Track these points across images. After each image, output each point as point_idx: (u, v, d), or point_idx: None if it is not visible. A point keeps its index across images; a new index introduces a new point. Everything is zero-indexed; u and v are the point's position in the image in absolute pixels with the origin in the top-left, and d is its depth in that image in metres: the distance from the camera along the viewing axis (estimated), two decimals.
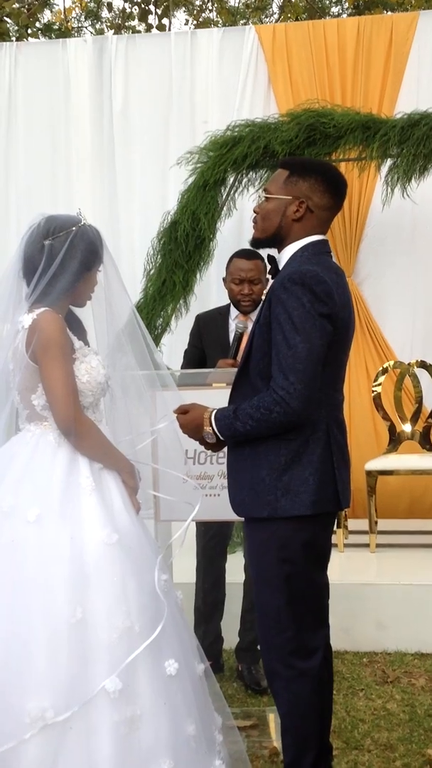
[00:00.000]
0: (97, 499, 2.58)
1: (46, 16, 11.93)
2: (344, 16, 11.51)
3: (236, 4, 12.26)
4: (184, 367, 4.23)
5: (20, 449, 2.66)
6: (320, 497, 2.57)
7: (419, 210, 5.86)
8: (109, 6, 12.09)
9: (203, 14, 12.46)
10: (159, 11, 11.50)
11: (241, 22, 11.56)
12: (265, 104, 6.41)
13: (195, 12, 12.45)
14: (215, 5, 12.16)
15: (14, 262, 2.71)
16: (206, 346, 4.22)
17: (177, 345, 4.60)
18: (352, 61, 6.31)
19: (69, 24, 12.13)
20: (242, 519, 2.74)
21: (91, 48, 6.77)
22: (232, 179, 5.58)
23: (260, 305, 2.96)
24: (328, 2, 12.03)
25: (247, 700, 3.87)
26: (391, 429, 5.56)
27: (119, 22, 12.18)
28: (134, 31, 11.61)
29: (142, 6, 11.60)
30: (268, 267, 2.80)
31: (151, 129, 6.63)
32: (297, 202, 2.67)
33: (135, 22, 11.96)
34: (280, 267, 2.70)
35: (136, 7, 11.79)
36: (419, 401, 5.62)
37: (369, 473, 5.24)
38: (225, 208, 5.62)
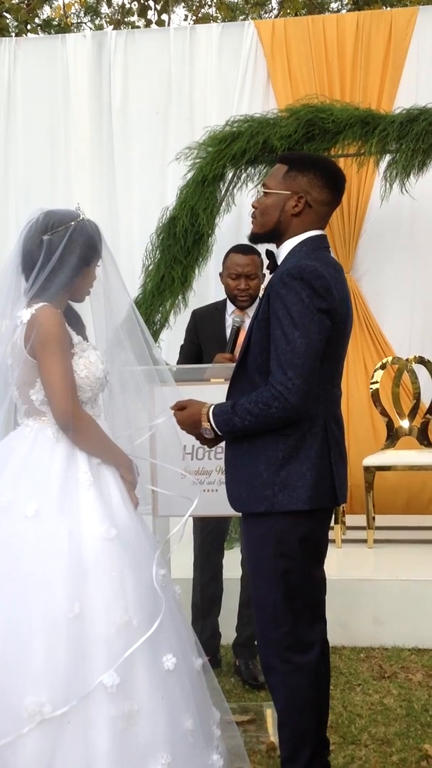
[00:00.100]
0: (96, 494, 2.58)
1: (46, 11, 11.93)
2: (343, 11, 11.50)
3: (235, 0, 12.24)
4: (180, 362, 4.22)
5: (19, 444, 2.66)
6: (317, 492, 2.57)
7: (418, 205, 5.85)
8: (109, 2, 12.07)
9: (202, 10, 12.43)
10: (158, 7, 11.48)
11: (241, 17, 11.54)
12: (264, 99, 6.40)
13: (194, 7, 12.43)
14: (214, 1, 12.14)
15: (13, 257, 2.70)
16: (203, 342, 4.21)
17: (175, 340, 4.60)
18: (351, 56, 6.30)
19: (68, 20, 12.10)
20: (240, 514, 2.74)
21: (90, 43, 6.76)
22: (230, 174, 5.57)
23: (257, 300, 2.96)
24: None
25: (244, 695, 3.88)
26: (389, 425, 5.56)
27: (118, 17, 12.17)
28: (133, 26, 11.59)
29: (142, 1, 11.58)
30: (266, 262, 2.80)
31: (150, 124, 6.62)
32: (296, 197, 2.67)
33: (134, 18, 11.94)
34: (279, 262, 2.70)
35: (135, 2, 11.78)
36: (417, 397, 5.62)
37: (367, 469, 5.24)
38: (224, 204, 5.62)
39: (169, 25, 11.26)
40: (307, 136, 5.36)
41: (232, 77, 6.51)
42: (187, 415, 2.73)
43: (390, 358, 5.75)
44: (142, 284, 5.62)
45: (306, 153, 4.95)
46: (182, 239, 5.48)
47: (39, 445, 2.63)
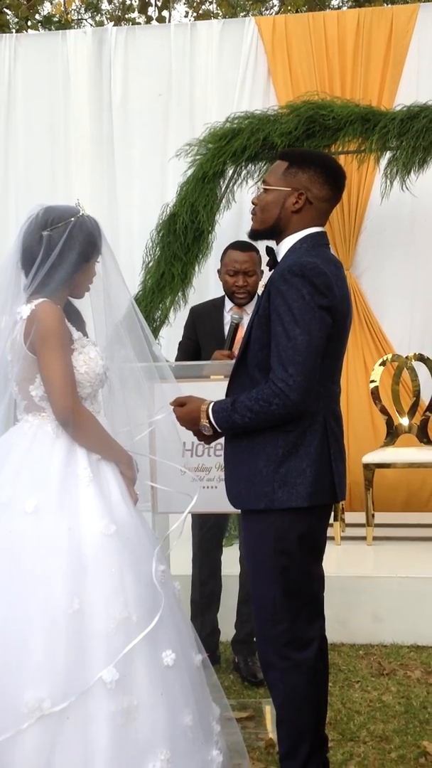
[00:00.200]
0: (95, 490, 2.58)
1: (46, 8, 11.91)
2: (344, 8, 11.48)
3: None
4: (179, 359, 4.22)
5: (18, 440, 2.66)
6: (317, 489, 2.57)
7: (418, 203, 5.85)
8: None
9: (203, 6, 12.41)
10: (159, 3, 11.47)
11: (242, 14, 11.53)
12: (265, 96, 6.40)
13: (195, 4, 12.41)
14: None
15: (13, 253, 2.70)
16: (201, 338, 4.21)
17: (175, 337, 4.61)
18: (351, 53, 6.30)
19: (69, 16, 12.09)
20: (239, 511, 2.74)
21: (90, 40, 6.76)
22: (231, 171, 5.57)
23: (256, 297, 2.96)
24: None
25: (243, 692, 3.89)
26: (389, 422, 5.56)
27: (119, 14, 12.15)
28: (134, 23, 11.58)
29: None
30: (265, 259, 2.80)
31: (151, 121, 6.61)
32: (296, 193, 2.67)
33: (135, 14, 11.93)
34: (279, 259, 2.69)
35: None
36: (417, 394, 5.63)
37: (366, 466, 5.24)
38: (224, 201, 5.61)
39: (169, 21, 11.25)
40: (307, 133, 5.35)
41: (233, 74, 6.51)
42: (186, 412, 2.73)
43: (390, 356, 5.74)
44: (142, 281, 5.62)
45: (306, 150, 4.92)
46: (182, 236, 5.48)
47: (38, 441, 2.63)
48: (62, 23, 10.87)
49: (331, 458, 2.61)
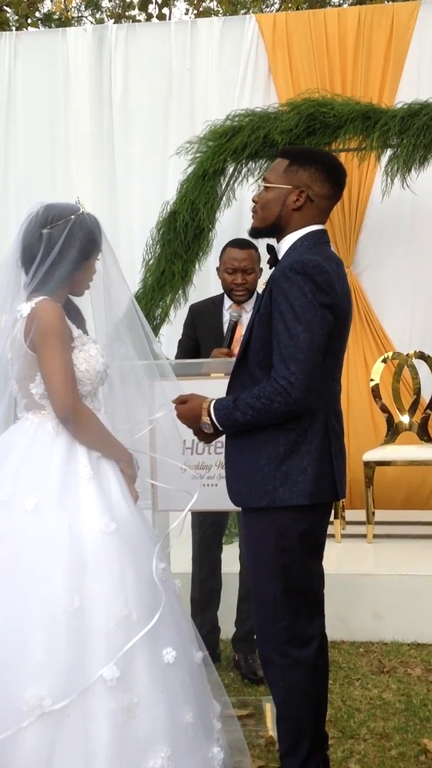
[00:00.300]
0: (96, 487, 2.58)
1: (46, 5, 11.91)
2: (345, 5, 11.47)
3: None
4: (178, 357, 4.22)
5: (18, 438, 2.66)
6: (318, 487, 2.57)
7: (419, 200, 5.85)
8: None
9: (204, 3, 12.40)
10: (159, 1, 11.46)
11: (242, 11, 11.52)
12: (265, 94, 6.40)
13: (195, 1, 12.40)
14: None
15: (13, 251, 2.70)
16: (200, 336, 4.21)
17: (175, 335, 4.60)
18: (352, 50, 6.30)
19: (69, 14, 12.09)
20: (239, 509, 2.74)
21: (90, 37, 6.76)
22: (231, 169, 5.56)
23: (256, 295, 2.96)
24: None
25: (243, 689, 3.89)
26: (389, 420, 5.56)
27: (119, 11, 12.14)
28: (134, 20, 11.57)
29: None
30: (266, 256, 2.80)
31: (151, 118, 6.61)
32: (297, 191, 2.66)
33: (135, 12, 11.92)
34: (280, 257, 2.69)
35: None
36: (417, 392, 5.63)
37: (367, 464, 5.24)
38: (224, 198, 5.61)
39: (170, 19, 11.24)
40: (308, 131, 5.35)
41: (233, 71, 6.50)
42: (187, 409, 2.72)
43: (390, 353, 5.74)
44: (142, 279, 5.62)
45: (307, 147, 4.94)
46: (182, 234, 5.48)
47: (39, 439, 2.63)
48: (62, 21, 10.88)
49: (332, 456, 2.61)
